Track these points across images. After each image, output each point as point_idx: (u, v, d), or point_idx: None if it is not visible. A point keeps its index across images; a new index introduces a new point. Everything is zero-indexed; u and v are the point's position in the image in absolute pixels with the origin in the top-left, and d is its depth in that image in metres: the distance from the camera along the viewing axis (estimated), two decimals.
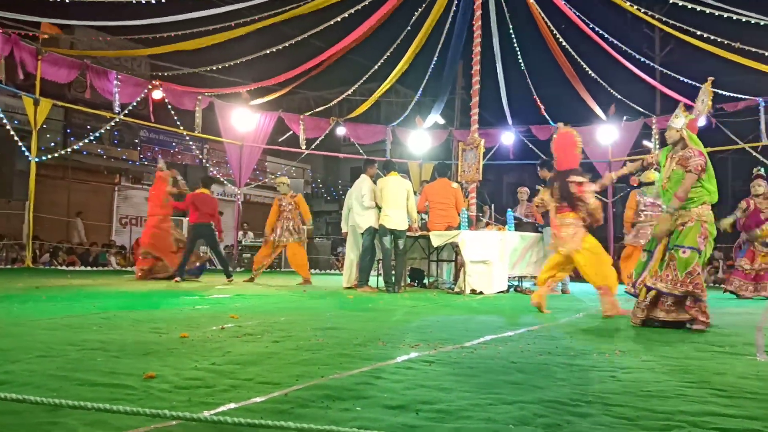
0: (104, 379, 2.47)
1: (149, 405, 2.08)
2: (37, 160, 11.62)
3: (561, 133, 6.13)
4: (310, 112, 16.04)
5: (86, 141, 13.97)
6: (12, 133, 11.27)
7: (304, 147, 15.59)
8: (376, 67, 14.95)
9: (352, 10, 12.64)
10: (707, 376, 2.82)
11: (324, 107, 16.33)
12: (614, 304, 5.40)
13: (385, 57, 14.62)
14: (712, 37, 11.69)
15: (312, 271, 15.59)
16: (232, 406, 2.12)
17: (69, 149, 14.03)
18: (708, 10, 10.75)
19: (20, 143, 11.35)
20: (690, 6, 10.90)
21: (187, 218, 10.26)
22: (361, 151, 16.26)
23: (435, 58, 15.10)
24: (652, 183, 8.52)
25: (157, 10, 11.01)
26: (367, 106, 15.85)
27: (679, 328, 4.66)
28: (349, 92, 16.01)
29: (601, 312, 5.44)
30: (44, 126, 12.42)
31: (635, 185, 8.86)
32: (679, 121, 4.88)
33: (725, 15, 10.66)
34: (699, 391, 2.48)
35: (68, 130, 17.29)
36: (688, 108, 5.06)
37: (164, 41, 12.38)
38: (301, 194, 10.40)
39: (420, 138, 16.30)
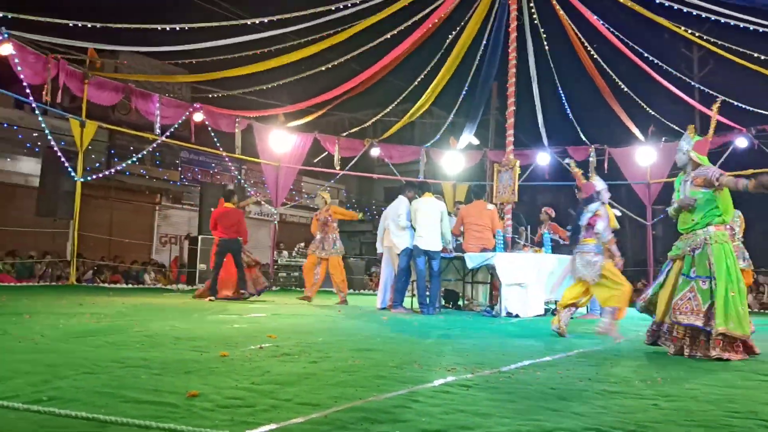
0: (148, 397, 2.53)
1: (193, 423, 2.13)
2: (82, 180, 11.99)
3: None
4: (345, 134, 16.22)
5: (129, 162, 14.39)
6: (59, 154, 11.68)
7: (339, 168, 15.76)
8: (410, 88, 15.07)
9: (388, 35, 12.81)
10: (754, 405, 2.74)
11: (359, 128, 16.51)
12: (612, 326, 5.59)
13: (420, 79, 14.74)
14: (756, 55, 11.47)
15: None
16: (273, 426, 2.15)
17: (112, 170, 14.46)
18: (752, 27, 10.55)
19: (66, 164, 11.74)
20: (733, 23, 10.71)
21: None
22: (395, 171, 16.32)
23: (469, 79, 15.16)
24: None
25: (198, 35, 11.36)
26: (401, 125, 15.94)
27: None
28: (384, 113, 16.15)
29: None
30: (89, 147, 12.82)
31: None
32: (686, 143, 4.87)
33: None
34: (745, 422, 2.42)
35: (112, 151, 17.82)
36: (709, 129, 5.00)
37: (205, 65, 12.73)
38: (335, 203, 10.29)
39: (454, 159, 16.32)
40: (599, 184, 6.07)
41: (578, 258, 5.84)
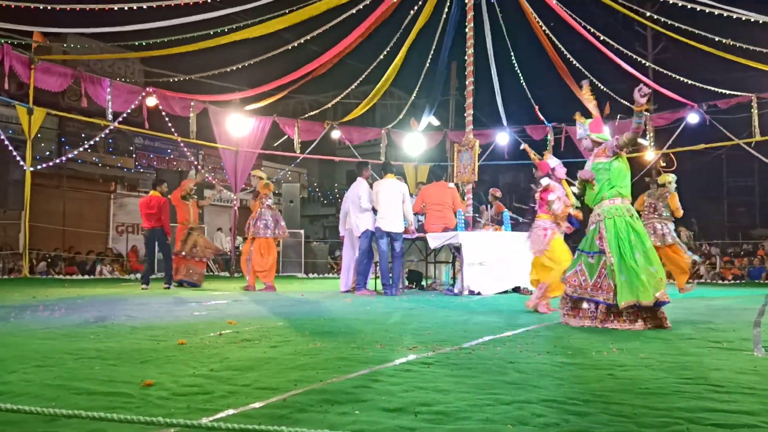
0: (102, 388, 2.47)
1: (147, 413, 2.08)
2: (32, 169, 11.59)
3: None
4: (305, 116, 16.03)
5: (81, 149, 13.94)
6: (6, 142, 11.25)
7: (299, 151, 15.58)
8: (369, 70, 14.96)
9: (346, 14, 12.65)
10: (704, 372, 2.82)
11: (319, 111, 16.33)
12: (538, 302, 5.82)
13: (379, 60, 14.64)
14: (704, 34, 11.73)
15: (310, 275, 15.64)
16: (231, 412, 2.11)
17: (64, 158, 14.00)
18: (698, 8, 10.78)
19: (15, 153, 11.32)
20: (680, 3, 10.92)
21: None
22: (356, 154, 16.23)
23: (428, 60, 15.13)
24: (663, 185, 8.98)
25: (150, 16, 11.02)
26: (363, 110, 15.85)
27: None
28: (343, 95, 16.02)
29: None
30: (38, 135, 12.39)
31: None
32: (583, 130, 5.09)
33: (716, 12, 10.69)
34: (696, 387, 2.49)
35: (63, 139, 17.25)
36: (585, 114, 5.23)
37: (157, 47, 12.37)
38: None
39: (415, 140, 16.31)
40: (553, 161, 6.19)
41: (531, 233, 6.01)
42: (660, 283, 4.45)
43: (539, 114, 6.67)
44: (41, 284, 9.94)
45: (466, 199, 10.21)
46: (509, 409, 2.14)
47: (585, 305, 4.67)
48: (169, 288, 9.29)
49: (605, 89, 14.38)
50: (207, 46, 12.20)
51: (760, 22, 10.43)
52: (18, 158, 11.37)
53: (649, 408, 2.16)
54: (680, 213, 8.87)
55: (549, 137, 15.73)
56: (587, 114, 5.22)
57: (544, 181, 5.95)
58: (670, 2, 11.03)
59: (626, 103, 14.71)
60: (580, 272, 4.72)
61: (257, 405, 2.20)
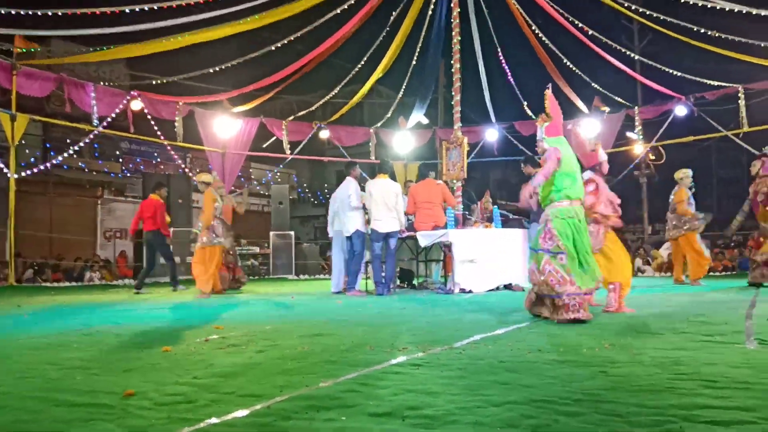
0: (82, 399, 2.40)
1: (127, 424, 2.02)
2: (16, 176, 11.44)
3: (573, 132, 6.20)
4: (292, 117, 15.93)
5: (66, 155, 13.79)
6: None
7: (288, 152, 15.48)
8: (356, 69, 14.89)
9: (331, 14, 12.57)
10: (698, 366, 2.79)
11: (306, 111, 16.22)
12: (620, 302, 5.34)
13: (366, 58, 14.57)
14: (689, 26, 11.74)
15: (301, 276, 15.55)
16: (214, 420, 2.05)
17: (49, 164, 13.84)
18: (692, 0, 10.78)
19: None
20: None
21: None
22: (345, 154, 16.16)
23: (415, 58, 15.08)
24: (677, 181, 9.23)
25: (135, 19, 10.89)
26: (349, 107, 15.77)
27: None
28: (331, 95, 15.93)
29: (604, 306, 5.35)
30: (22, 142, 12.24)
31: None
32: (539, 132, 5.21)
33: (700, 3, 10.70)
34: (690, 384, 2.45)
35: (47, 145, 17.06)
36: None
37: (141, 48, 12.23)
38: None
39: (404, 138, 16.25)
40: (602, 155, 5.78)
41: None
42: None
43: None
44: (28, 292, 9.81)
45: (455, 196, 10.17)
46: (499, 411, 2.09)
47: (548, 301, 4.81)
48: (175, 290, 9.19)
49: (594, 84, 14.42)
50: (189, 43, 12.05)
51: (744, 12, 10.45)
52: (1, 165, 11.22)
53: (642, 406, 2.11)
54: (682, 208, 8.90)
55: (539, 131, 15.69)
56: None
57: (586, 175, 5.52)
58: None
59: (614, 96, 14.76)
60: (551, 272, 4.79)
61: (241, 413, 2.13)
